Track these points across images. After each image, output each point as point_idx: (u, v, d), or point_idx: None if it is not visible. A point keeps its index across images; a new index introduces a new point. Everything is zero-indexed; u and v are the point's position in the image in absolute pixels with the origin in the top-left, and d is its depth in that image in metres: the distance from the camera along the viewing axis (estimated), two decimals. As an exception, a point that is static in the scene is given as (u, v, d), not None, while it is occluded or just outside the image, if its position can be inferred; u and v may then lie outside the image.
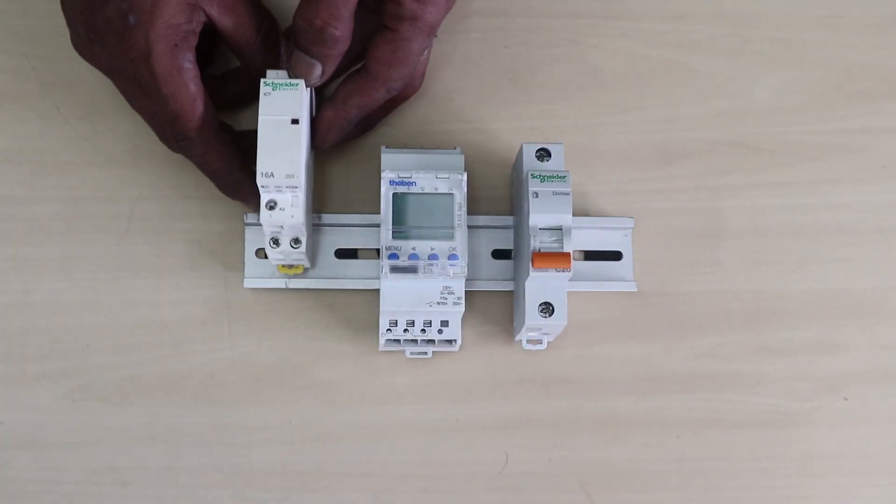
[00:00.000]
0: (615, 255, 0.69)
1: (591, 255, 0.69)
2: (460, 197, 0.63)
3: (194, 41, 0.62)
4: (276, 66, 0.64)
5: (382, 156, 0.65)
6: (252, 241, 0.67)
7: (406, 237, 0.63)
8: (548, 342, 0.67)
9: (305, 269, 0.67)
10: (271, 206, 0.62)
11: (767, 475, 0.67)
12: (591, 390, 0.67)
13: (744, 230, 0.69)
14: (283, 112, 0.61)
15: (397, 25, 0.62)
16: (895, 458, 0.67)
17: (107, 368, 0.67)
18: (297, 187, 0.61)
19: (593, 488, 0.66)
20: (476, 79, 0.71)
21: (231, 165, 0.64)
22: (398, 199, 0.63)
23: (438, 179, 0.64)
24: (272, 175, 0.61)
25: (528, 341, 0.67)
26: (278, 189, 0.61)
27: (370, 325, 0.67)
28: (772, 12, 0.72)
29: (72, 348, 0.67)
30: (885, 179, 0.70)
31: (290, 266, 0.66)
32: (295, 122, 0.61)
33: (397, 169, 0.64)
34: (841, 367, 0.68)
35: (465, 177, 0.64)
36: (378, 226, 0.66)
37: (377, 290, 0.65)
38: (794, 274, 0.69)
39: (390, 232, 0.63)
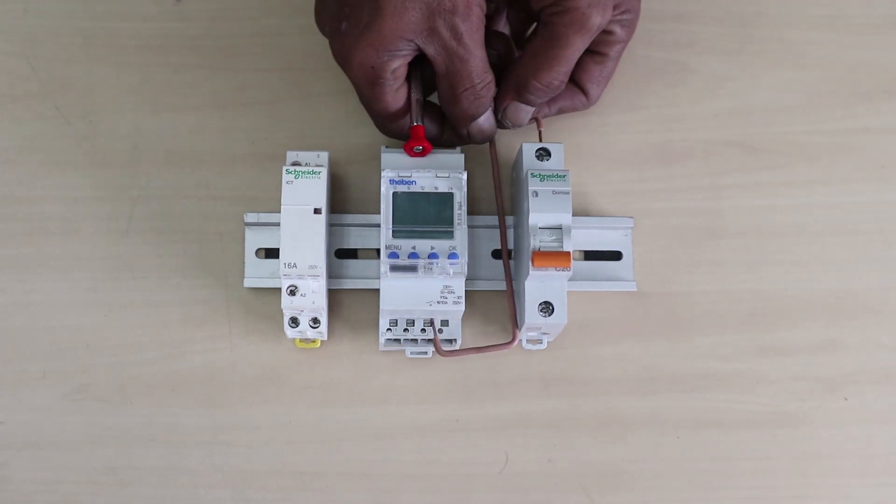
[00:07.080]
0: (615, 255, 0.68)
1: (591, 255, 0.69)
2: (460, 196, 0.63)
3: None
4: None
5: (382, 156, 0.65)
6: (252, 240, 0.67)
7: (406, 236, 0.63)
8: (548, 342, 0.67)
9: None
10: (292, 291, 0.63)
11: (767, 475, 0.67)
12: (591, 390, 0.67)
13: (744, 230, 0.69)
14: (305, 202, 0.62)
15: (608, 50, 0.65)
16: (895, 458, 0.67)
17: (107, 368, 0.67)
18: (319, 276, 0.62)
19: (593, 488, 0.66)
20: (476, 79, 0.71)
21: None
22: (398, 198, 0.63)
23: (438, 178, 0.64)
24: (295, 265, 0.62)
25: (528, 341, 0.67)
26: (300, 277, 0.62)
27: (370, 324, 0.67)
28: (772, 12, 0.72)
29: (72, 348, 0.67)
30: (885, 179, 0.70)
31: (307, 340, 0.66)
32: (317, 211, 0.62)
33: (397, 168, 0.64)
34: (841, 367, 0.68)
35: (464, 176, 0.64)
36: (377, 225, 0.66)
37: (377, 290, 0.64)
38: (794, 274, 0.69)
39: (390, 231, 0.63)
